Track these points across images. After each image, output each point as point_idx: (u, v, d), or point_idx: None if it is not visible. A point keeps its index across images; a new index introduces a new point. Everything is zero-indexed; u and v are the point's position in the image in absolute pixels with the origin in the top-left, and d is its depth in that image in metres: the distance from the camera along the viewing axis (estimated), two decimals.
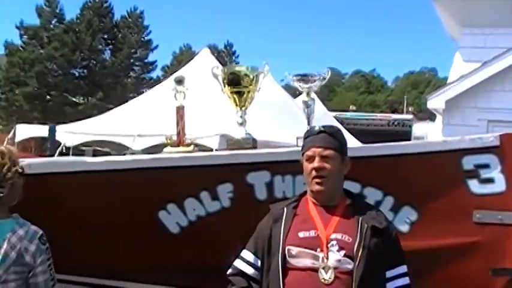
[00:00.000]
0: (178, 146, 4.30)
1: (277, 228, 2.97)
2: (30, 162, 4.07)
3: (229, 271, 3.15)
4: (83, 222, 3.96)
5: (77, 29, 37.91)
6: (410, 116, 28.11)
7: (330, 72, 4.12)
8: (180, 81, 4.37)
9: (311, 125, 4.15)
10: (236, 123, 4.31)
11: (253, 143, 4.22)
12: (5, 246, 2.77)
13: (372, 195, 3.60)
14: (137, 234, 3.95)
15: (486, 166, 3.56)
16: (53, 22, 38.70)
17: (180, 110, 4.34)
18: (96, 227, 3.95)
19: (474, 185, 3.58)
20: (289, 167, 3.67)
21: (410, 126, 20.81)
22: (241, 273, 3.10)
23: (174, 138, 4.43)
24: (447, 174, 3.62)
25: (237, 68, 4.34)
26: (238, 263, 3.13)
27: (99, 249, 4.02)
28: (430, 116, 16.70)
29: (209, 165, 3.81)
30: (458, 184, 3.59)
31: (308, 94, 4.14)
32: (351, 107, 45.78)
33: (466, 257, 3.61)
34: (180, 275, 4.02)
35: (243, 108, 4.29)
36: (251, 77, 4.23)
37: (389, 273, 2.91)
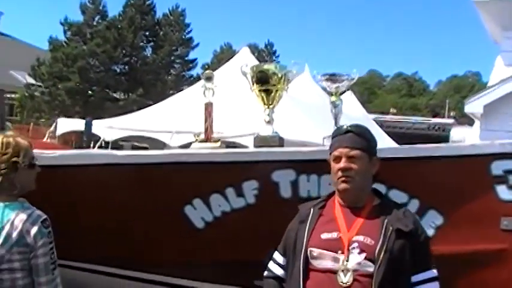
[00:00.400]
0: (205, 142, 4.34)
1: (302, 229, 2.93)
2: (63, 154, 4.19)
3: (265, 273, 3.12)
4: (108, 214, 4.03)
5: (119, 26, 38.21)
6: (451, 121, 27.75)
7: (358, 74, 4.09)
8: (209, 78, 4.39)
9: (338, 125, 4.14)
10: (263, 121, 4.31)
11: (279, 142, 4.22)
12: (7, 227, 2.84)
13: (397, 197, 3.54)
14: (162, 228, 4.01)
15: None
16: (96, 19, 39.05)
17: (208, 107, 4.37)
18: (122, 219, 4.02)
19: (503, 191, 3.52)
20: (314, 166, 3.66)
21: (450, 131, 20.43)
22: (274, 276, 3.07)
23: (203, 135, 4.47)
24: (475, 178, 3.56)
25: (266, 67, 4.35)
26: (271, 265, 3.11)
27: (123, 241, 4.09)
28: (471, 122, 16.41)
29: (235, 162, 3.84)
30: (486, 189, 3.54)
31: (336, 94, 4.13)
32: (391, 109, 45.34)
33: (491, 264, 3.55)
34: (203, 269, 4.06)
35: (271, 107, 4.29)
36: (279, 75, 4.23)
37: (415, 278, 2.81)
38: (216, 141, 4.35)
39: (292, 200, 3.67)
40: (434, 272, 2.86)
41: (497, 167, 3.50)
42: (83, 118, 17.55)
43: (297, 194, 3.73)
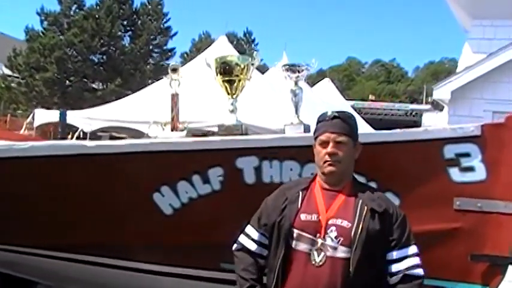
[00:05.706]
0: (172, 131, 4.46)
1: (291, 209, 3.01)
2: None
3: (234, 246, 3.19)
4: (82, 203, 4.15)
5: (96, 16, 37.71)
6: (428, 107, 28.08)
7: (316, 63, 4.25)
8: (174, 70, 4.51)
9: (298, 114, 4.30)
10: (228, 110, 4.44)
11: (243, 130, 4.36)
12: None
13: None
14: (133, 214, 4.13)
15: (467, 155, 3.66)
16: (73, 8, 38.56)
17: (174, 97, 4.49)
18: (95, 208, 4.14)
19: (455, 173, 3.69)
20: (276, 152, 3.82)
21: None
22: (246, 250, 3.14)
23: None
24: (428, 162, 3.73)
25: (229, 58, 4.49)
26: (243, 239, 3.18)
27: (96, 229, 4.21)
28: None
29: (201, 150, 3.95)
30: (439, 172, 3.70)
31: (296, 83, 4.28)
32: (370, 96, 45.61)
33: (446, 242, 3.72)
34: (173, 254, 4.19)
35: (234, 96, 4.43)
36: (242, 66, 4.38)
37: (393, 255, 2.95)
38: (181, 130, 4.47)
39: (256, 186, 3.82)
40: (413, 248, 3.00)
41: (449, 151, 3.67)
42: (63, 109, 17.47)
43: (260, 179, 3.85)
